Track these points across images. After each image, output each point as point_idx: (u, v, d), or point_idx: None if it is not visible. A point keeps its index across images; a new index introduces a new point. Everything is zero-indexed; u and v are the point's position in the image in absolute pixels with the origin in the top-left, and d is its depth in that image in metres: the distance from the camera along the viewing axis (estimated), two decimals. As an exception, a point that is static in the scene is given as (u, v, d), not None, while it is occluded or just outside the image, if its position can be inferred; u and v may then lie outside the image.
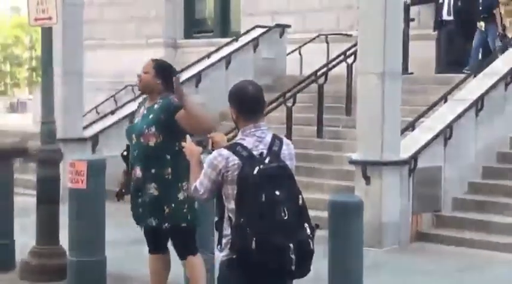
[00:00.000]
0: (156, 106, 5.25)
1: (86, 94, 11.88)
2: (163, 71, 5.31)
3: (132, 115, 12.33)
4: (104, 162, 6.33)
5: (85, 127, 11.65)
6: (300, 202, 3.70)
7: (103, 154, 10.68)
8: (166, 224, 5.18)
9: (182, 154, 5.04)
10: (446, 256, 8.01)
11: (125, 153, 5.41)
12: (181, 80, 5.27)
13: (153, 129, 5.16)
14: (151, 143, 5.16)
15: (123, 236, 7.76)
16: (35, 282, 6.53)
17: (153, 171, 5.16)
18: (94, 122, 12.15)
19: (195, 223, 5.25)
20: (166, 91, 5.26)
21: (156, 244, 5.44)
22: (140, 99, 6.05)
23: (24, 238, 7.08)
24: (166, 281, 5.52)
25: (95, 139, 11.47)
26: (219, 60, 13.20)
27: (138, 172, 5.22)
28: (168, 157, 5.15)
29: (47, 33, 6.85)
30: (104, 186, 6.29)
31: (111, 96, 15.23)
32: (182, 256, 5.34)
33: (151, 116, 5.22)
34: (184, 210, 5.18)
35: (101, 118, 12.42)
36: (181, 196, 5.17)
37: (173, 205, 5.15)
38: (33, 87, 20.46)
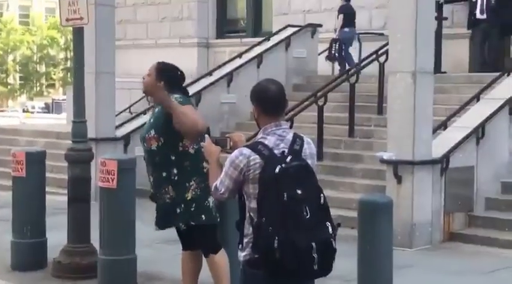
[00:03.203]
0: (157, 109, 5.34)
1: (119, 95, 11.96)
2: (166, 73, 5.36)
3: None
4: (135, 161, 6.37)
5: (117, 127, 11.72)
6: (322, 200, 3.67)
7: (135, 154, 10.75)
8: (181, 224, 5.25)
9: (188, 154, 5.12)
10: (479, 256, 7.92)
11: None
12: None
13: (152, 132, 5.24)
14: (154, 147, 5.25)
15: (153, 235, 7.77)
16: (66, 280, 6.58)
17: (164, 174, 5.23)
18: (127, 122, 12.23)
19: (211, 221, 5.26)
20: (173, 92, 5.29)
21: (188, 242, 5.47)
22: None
23: (56, 236, 7.15)
24: (197, 279, 5.55)
25: (127, 139, 11.54)
26: (251, 60, 13.21)
27: (150, 176, 5.32)
28: (173, 157, 5.20)
29: (78, 34, 6.92)
30: (135, 185, 6.33)
31: (144, 96, 15.29)
32: (204, 253, 5.38)
33: (152, 120, 5.32)
34: (192, 209, 5.21)
35: (133, 118, 12.49)
36: (189, 195, 5.21)
37: (183, 205, 5.21)
38: (67, 88, 20.64)
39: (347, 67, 13.45)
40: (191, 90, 12.32)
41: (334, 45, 13.72)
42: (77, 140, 6.82)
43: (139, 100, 15.30)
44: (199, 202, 5.20)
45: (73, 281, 6.55)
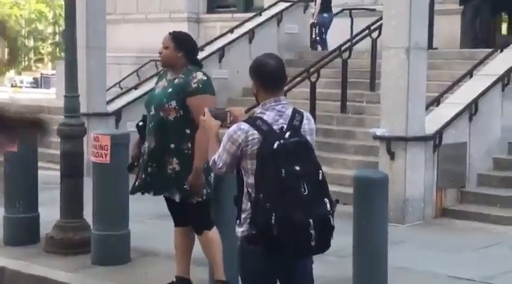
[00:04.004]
0: (177, 81, 5.20)
1: (109, 70, 11.89)
2: (183, 43, 5.27)
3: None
4: (128, 136, 6.35)
5: (108, 102, 11.66)
6: (320, 177, 3.66)
7: (127, 129, 10.70)
8: (190, 199, 5.18)
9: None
10: (470, 232, 7.96)
11: (141, 124, 5.39)
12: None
13: (173, 104, 5.13)
14: (171, 117, 5.15)
15: (146, 211, 7.78)
16: (59, 255, 6.56)
17: (172, 145, 5.14)
18: (117, 97, 12.16)
19: (209, 197, 5.23)
20: (190, 63, 5.23)
21: (179, 218, 5.44)
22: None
23: (49, 212, 7.12)
24: (191, 255, 5.53)
25: (118, 114, 11.48)
26: (243, 35, 13.12)
27: (153, 143, 5.19)
28: (188, 131, 5.13)
29: (70, 7, 6.84)
30: (128, 160, 6.29)
31: (134, 71, 15.22)
32: (197, 230, 5.33)
33: (170, 90, 5.18)
34: None
35: (124, 93, 12.42)
36: None
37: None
38: (57, 62, 20.49)
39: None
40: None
41: (314, 29, 13.99)
42: (69, 115, 6.77)
43: (129, 75, 15.25)
44: (206, 177, 5.15)
45: (66, 256, 6.53)
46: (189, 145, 5.13)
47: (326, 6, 14.00)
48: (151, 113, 5.25)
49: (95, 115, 10.88)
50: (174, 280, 5.55)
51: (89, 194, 6.36)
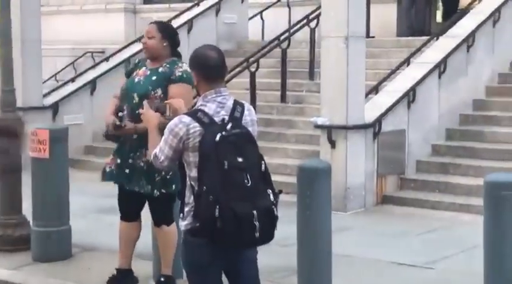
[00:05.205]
0: (161, 69, 5.14)
1: (45, 62, 11.68)
2: (169, 33, 5.23)
3: (93, 83, 12.14)
4: (67, 131, 6.24)
5: (45, 96, 11.46)
6: (263, 168, 3.67)
7: (64, 123, 10.55)
8: (156, 192, 5.11)
9: None
10: (411, 218, 8.06)
11: (121, 114, 5.23)
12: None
13: (159, 92, 5.05)
14: None
15: (87, 205, 7.69)
16: (-1, 253, 6.43)
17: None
18: (54, 90, 11.95)
19: (175, 192, 5.15)
20: (173, 54, 5.19)
21: (133, 212, 5.34)
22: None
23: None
24: (134, 247, 5.47)
25: (55, 108, 11.29)
26: (181, 26, 12.99)
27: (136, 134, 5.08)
28: None
29: (4, 0, 6.68)
30: (67, 154, 6.20)
31: (71, 64, 14.99)
32: (158, 223, 5.27)
33: (155, 78, 5.12)
34: (168, 177, 5.10)
35: (61, 86, 12.21)
36: None
37: (163, 172, 5.06)
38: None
39: None
40: (122, 56, 12.13)
41: None
42: (7, 110, 6.61)
43: (65, 67, 15.01)
44: (175, 170, 5.04)
45: (6, 253, 6.38)
46: None
47: None
48: (134, 101, 5.13)
49: (31, 109, 10.66)
50: (115, 273, 5.48)
51: (28, 190, 6.23)
